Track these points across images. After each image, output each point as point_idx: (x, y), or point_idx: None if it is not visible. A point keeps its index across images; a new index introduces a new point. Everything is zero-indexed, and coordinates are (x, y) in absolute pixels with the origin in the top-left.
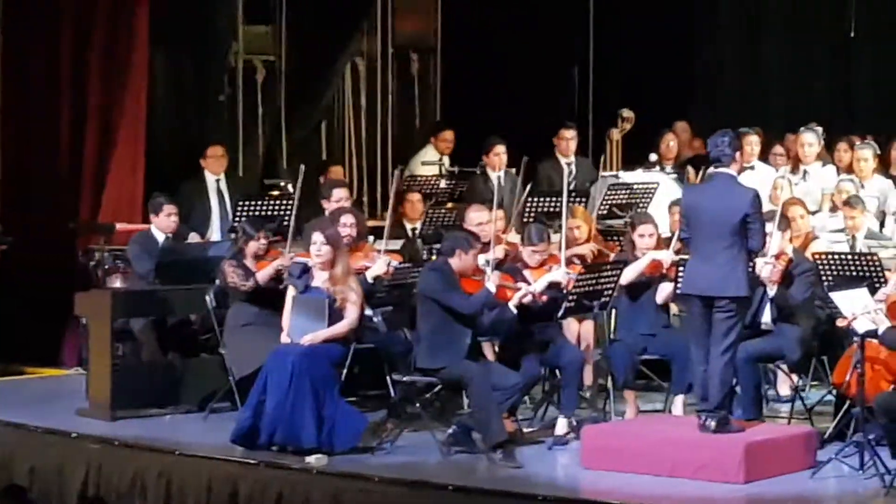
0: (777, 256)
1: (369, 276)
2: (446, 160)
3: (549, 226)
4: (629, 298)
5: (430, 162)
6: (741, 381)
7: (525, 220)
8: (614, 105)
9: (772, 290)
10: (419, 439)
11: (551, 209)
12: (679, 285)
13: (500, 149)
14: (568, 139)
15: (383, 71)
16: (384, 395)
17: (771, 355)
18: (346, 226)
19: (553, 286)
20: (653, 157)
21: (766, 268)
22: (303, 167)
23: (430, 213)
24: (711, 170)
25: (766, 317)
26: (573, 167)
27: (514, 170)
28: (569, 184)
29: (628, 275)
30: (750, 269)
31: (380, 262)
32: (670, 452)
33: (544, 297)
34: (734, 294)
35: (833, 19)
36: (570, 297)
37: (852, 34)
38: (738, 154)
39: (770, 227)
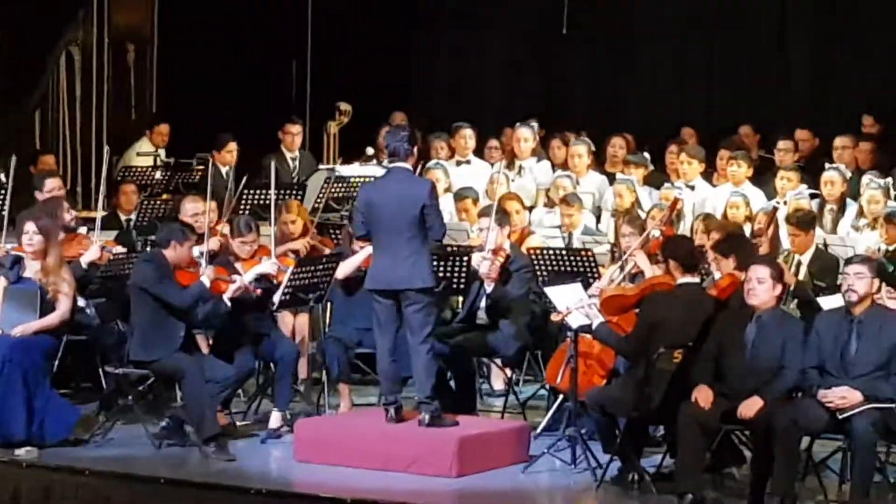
0: (495, 252)
1: (84, 261)
2: (162, 151)
3: (264, 218)
4: (345, 292)
5: (145, 153)
6: (455, 375)
7: (241, 212)
8: (332, 98)
9: (489, 286)
10: (131, 432)
11: (267, 202)
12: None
13: (233, 146)
14: (294, 134)
15: (99, 60)
16: (97, 387)
17: (485, 349)
18: (67, 212)
19: (262, 278)
20: (370, 150)
21: (485, 263)
22: (14, 158)
23: (144, 204)
24: (387, 163)
25: (482, 311)
26: (297, 162)
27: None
28: (293, 178)
29: (345, 269)
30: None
31: (94, 248)
32: (383, 446)
33: (258, 290)
34: (421, 286)
35: (547, 16)
36: (286, 290)
37: (564, 31)
38: (415, 149)
39: (487, 221)
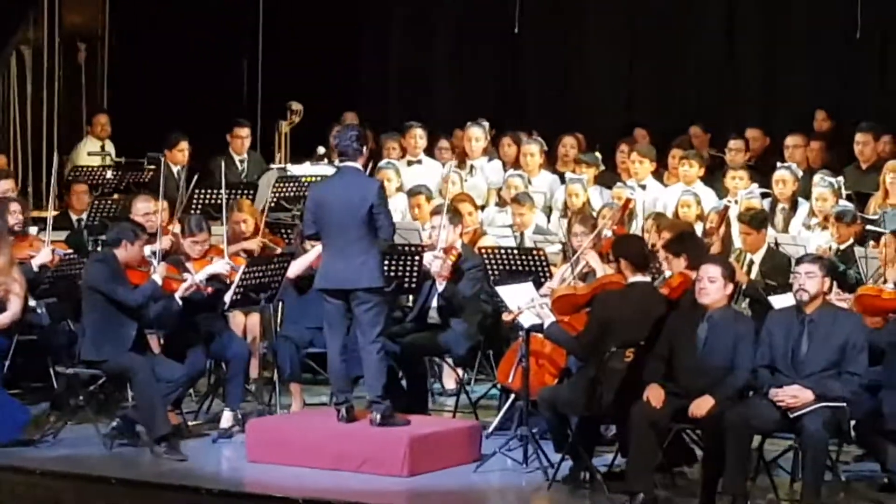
0: (446, 251)
1: (35, 264)
2: (111, 149)
3: (216, 217)
4: (297, 291)
5: (95, 152)
6: (406, 375)
7: (192, 212)
8: (283, 97)
9: (441, 285)
10: (83, 432)
11: (218, 201)
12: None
13: (184, 145)
14: (242, 137)
15: (49, 60)
16: (47, 387)
17: (437, 349)
18: (15, 213)
19: (214, 278)
20: (321, 149)
21: (436, 262)
22: None
23: (95, 203)
24: (337, 163)
25: (433, 310)
26: (245, 164)
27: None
28: (241, 180)
29: (297, 267)
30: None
31: (45, 251)
32: (335, 446)
33: (210, 289)
34: (368, 285)
35: (498, 16)
36: (237, 290)
37: (516, 30)
38: (364, 148)
39: (438, 219)
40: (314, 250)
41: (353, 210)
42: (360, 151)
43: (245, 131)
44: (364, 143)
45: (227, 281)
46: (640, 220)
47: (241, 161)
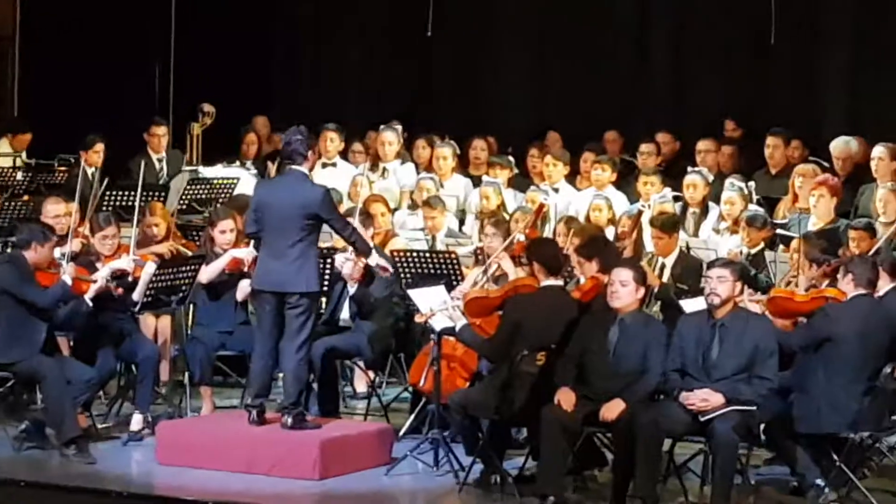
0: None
1: None
2: (22, 153)
3: (127, 219)
4: (209, 295)
5: (5, 154)
6: (318, 378)
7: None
8: (195, 99)
9: (352, 287)
10: None
11: (130, 202)
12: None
13: (100, 147)
14: (159, 136)
15: None
16: None
17: (348, 352)
18: None
19: (121, 276)
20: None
21: (347, 264)
22: None
23: (5, 205)
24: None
25: (345, 313)
26: (164, 163)
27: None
28: (159, 180)
29: (209, 273)
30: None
31: None
32: (246, 449)
33: (120, 290)
34: (305, 289)
35: (411, 19)
36: (148, 293)
37: (429, 33)
38: (310, 152)
39: (350, 222)
40: (226, 255)
41: (292, 213)
42: (306, 156)
43: (162, 129)
44: (311, 146)
45: (131, 278)
46: (553, 224)
47: (160, 160)
